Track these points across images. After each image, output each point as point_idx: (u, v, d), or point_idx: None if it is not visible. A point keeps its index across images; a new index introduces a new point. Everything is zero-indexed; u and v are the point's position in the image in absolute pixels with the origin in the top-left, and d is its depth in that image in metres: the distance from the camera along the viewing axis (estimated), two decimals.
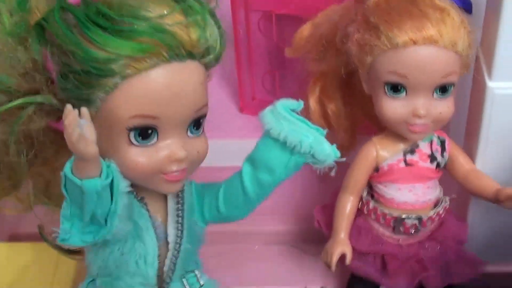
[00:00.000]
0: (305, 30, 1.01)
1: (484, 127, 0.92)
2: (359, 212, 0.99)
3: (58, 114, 0.70)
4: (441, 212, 0.97)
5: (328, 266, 0.97)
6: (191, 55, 0.67)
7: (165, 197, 0.75)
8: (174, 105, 0.66)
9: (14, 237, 1.12)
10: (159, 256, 0.73)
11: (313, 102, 1.02)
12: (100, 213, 0.66)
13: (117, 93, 0.65)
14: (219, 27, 0.70)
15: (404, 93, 0.88)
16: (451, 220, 1.00)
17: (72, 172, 0.63)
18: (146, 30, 0.64)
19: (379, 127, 0.97)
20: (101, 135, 0.66)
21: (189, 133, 0.69)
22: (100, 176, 0.64)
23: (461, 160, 0.96)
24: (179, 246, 0.74)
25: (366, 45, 0.87)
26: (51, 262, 0.90)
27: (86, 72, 0.64)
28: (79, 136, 0.60)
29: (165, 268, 0.74)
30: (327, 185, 1.05)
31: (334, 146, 0.70)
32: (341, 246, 0.96)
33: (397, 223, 0.96)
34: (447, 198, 0.98)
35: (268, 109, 0.70)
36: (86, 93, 0.65)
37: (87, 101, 0.66)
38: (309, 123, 0.70)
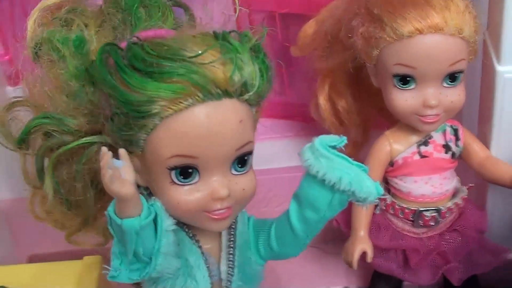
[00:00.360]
0: (310, 27, 1.00)
1: (496, 112, 0.91)
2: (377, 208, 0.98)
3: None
4: (459, 202, 0.96)
5: (350, 265, 0.96)
6: (227, 94, 0.66)
7: (219, 233, 0.75)
8: (212, 144, 0.66)
9: (33, 258, 1.13)
10: None
11: (323, 100, 1.01)
12: (143, 251, 0.66)
13: (156, 133, 0.66)
14: (263, 63, 0.69)
15: (414, 84, 0.86)
16: (470, 210, 0.98)
17: (114, 211, 0.65)
18: (177, 71, 0.64)
19: (391, 120, 0.95)
20: (148, 175, 0.68)
21: (233, 171, 0.69)
22: (140, 215, 0.65)
23: (476, 148, 0.95)
24: (230, 284, 0.74)
25: (372, 38, 0.86)
26: (72, 281, 0.89)
27: (125, 114, 0.66)
28: (111, 177, 0.62)
29: None
30: None
31: (378, 183, 0.68)
32: (362, 243, 0.95)
33: (416, 217, 0.95)
34: (465, 188, 0.97)
35: (307, 146, 0.69)
36: (128, 134, 0.67)
37: (130, 142, 0.67)
38: (350, 159, 0.67)
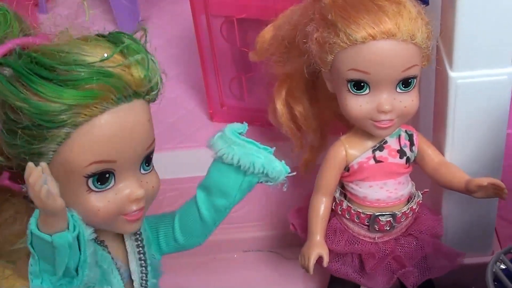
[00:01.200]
0: (267, 33, 1.01)
1: (449, 118, 0.91)
2: (333, 212, 0.98)
3: (1, 170, 0.70)
4: (414, 207, 0.97)
5: (306, 269, 0.96)
6: (136, 94, 0.67)
7: (122, 236, 0.75)
8: (128, 146, 0.66)
9: None
10: None
11: (280, 105, 1.01)
12: (73, 264, 0.65)
13: (70, 142, 0.64)
14: (153, 61, 0.70)
15: (368, 89, 0.87)
16: (425, 214, 0.99)
17: (38, 228, 0.62)
18: (91, 76, 0.63)
19: (347, 125, 0.96)
20: (60, 184, 0.64)
21: (142, 171, 0.70)
22: (68, 228, 0.63)
23: (430, 153, 0.95)
24: (146, 282, 0.74)
25: (326, 44, 0.86)
26: None
27: (37, 126, 0.63)
28: (47, 192, 0.60)
29: None
30: (301, 188, 1.04)
31: (283, 162, 0.72)
32: (317, 248, 0.96)
33: (372, 221, 0.95)
34: (420, 193, 0.97)
35: (217, 135, 0.72)
36: (37, 147, 0.64)
37: (38, 155, 0.65)
38: (258, 144, 0.72)
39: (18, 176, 0.68)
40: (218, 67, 1.13)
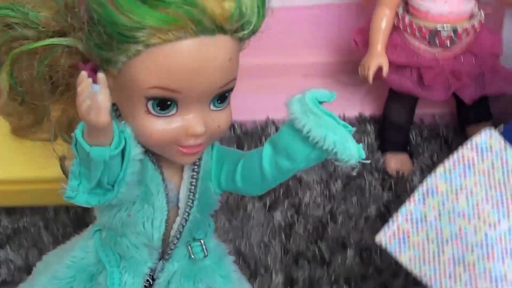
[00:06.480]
0: None
1: None
2: (395, 28, 1.01)
3: (85, 57, 0.67)
4: (476, 25, 0.99)
5: (366, 78, 0.99)
6: (222, 30, 0.62)
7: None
8: (198, 81, 0.62)
9: None
10: (167, 220, 0.71)
11: None
12: (108, 180, 0.63)
13: (139, 60, 0.61)
14: None
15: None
16: (485, 34, 1.01)
17: (82, 135, 0.61)
18: (174, 1, 0.59)
19: None
20: (121, 98, 0.64)
21: (211, 107, 0.65)
22: (110, 145, 0.61)
23: None
24: (188, 215, 0.71)
25: None
26: None
27: (108, 35, 0.61)
28: (89, 107, 0.58)
29: (172, 233, 0.72)
30: (364, 17, 1.07)
31: (361, 146, 0.64)
32: (378, 58, 0.98)
33: (433, 35, 0.98)
34: (482, 12, 0.99)
35: (296, 97, 0.64)
36: (107, 54, 0.62)
37: (108, 61, 0.63)
38: (338, 118, 0.64)
39: None
40: None
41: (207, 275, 0.75)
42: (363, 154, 0.64)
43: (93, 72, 0.62)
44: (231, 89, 0.65)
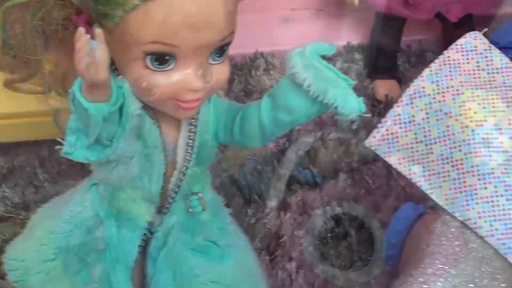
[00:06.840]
0: None
1: None
2: None
3: (79, 9, 0.66)
4: None
5: (352, 3, 1.00)
6: None
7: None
8: (196, 35, 0.61)
9: None
10: (165, 174, 0.70)
11: None
12: (106, 135, 0.63)
13: (136, 14, 0.60)
14: None
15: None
16: None
17: (80, 91, 0.60)
18: None
19: None
20: (118, 53, 0.62)
21: (210, 60, 0.64)
22: (109, 101, 0.61)
23: None
24: (186, 168, 0.71)
25: None
26: None
27: None
28: (87, 64, 0.57)
29: (170, 187, 0.72)
30: None
31: (361, 99, 0.63)
32: None
33: None
34: None
35: (297, 51, 0.63)
36: (103, 8, 0.61)
37: (104, 16, 0.61)
38: (338, 72, 0.63)
39: None
40: None
41: (204, 228, 0.75)
42: (364, 108, 0.63)
43: (88, 26, 0.62)
44: (230, 43, 0.64)
